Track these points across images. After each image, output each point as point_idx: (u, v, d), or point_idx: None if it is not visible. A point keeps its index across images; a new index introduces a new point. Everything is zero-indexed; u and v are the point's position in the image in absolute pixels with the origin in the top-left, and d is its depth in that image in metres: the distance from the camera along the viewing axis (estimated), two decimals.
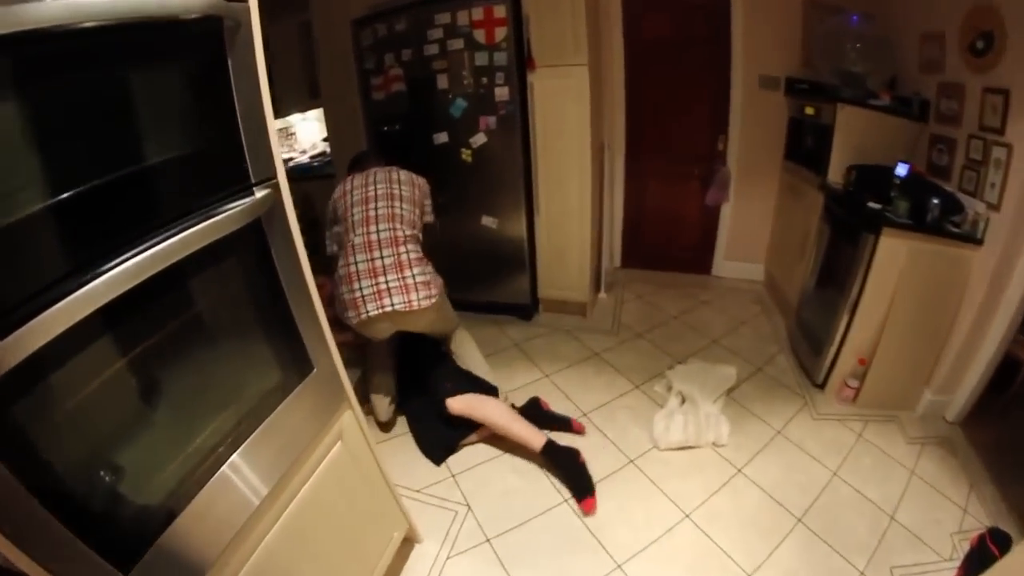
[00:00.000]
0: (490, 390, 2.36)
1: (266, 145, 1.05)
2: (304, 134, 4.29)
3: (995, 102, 1.97)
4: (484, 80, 2.73)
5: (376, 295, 1.99)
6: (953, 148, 2.24)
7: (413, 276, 2.02)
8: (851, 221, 2.34)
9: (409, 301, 2.01)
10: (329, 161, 3.67)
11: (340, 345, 1.33)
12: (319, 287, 1.23)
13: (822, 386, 2.49)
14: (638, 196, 3.71)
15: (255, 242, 1.06)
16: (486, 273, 3.24)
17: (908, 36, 2.47)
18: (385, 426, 2.43)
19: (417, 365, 2.41)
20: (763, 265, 3.51)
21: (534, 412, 2.33)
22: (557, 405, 2.51)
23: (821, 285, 2.59)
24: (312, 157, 4.05)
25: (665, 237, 3.75)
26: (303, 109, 3.92)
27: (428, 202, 2.33)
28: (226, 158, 0.99)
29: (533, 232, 3.09)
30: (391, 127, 3.04)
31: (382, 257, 2.00)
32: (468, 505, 2.03)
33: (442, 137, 2.93)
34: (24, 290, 0.67)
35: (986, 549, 1.58)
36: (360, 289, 1.99)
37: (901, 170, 2.27)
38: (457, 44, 2.70)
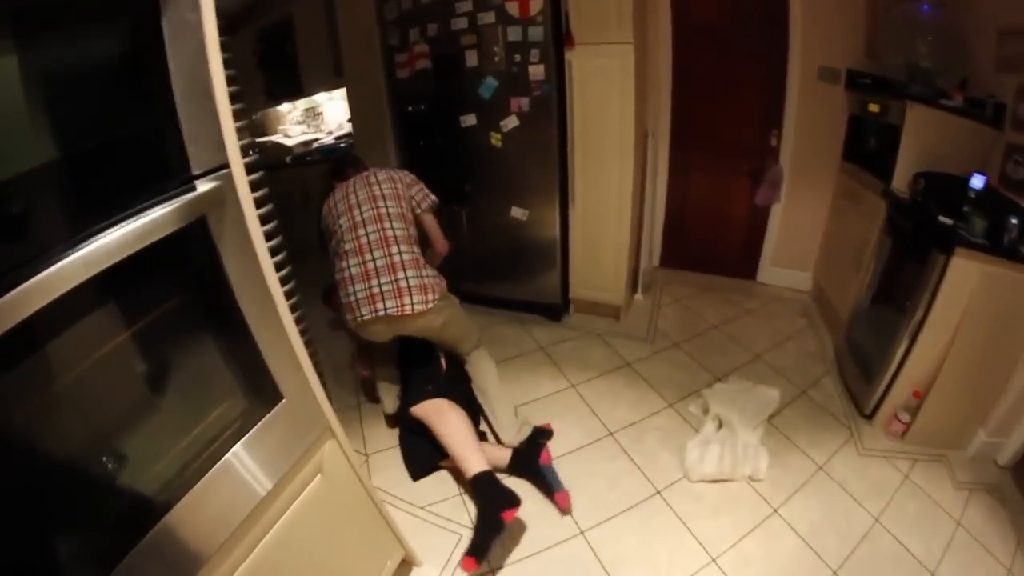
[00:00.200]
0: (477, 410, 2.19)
1: (215, 126, 0.84)
2: (331, 114, 4.13)
3: None
4: (517, 57, 2.47)
5: (369, 299, 1.89)
6: None
7: (407, 279, 1.91)
8: (918, 235, 2.08)
9: (402, 305, 1.88)
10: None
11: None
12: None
13: (870, 417, 2.25)
14: (682, 191, 3.42)
15: (199, 249, 0.86)
16: (513, 269, 3.02)
17: (984, 30, 2.13)
18: (392, 419, 2.32)
19: (409, 364, 2.25)
20: (811, 274, 3.22)
21: (527, 458, 2.00)
22: (582, 421, 2.30)
23: (878, 304, 2.33)
24: (337, 138, 3.89)
25: (709, 237, 3.47)
26: (329, 88, 3.75)
27: (418, 188, 2.20)
28: (154, 145, 0.79)
29: (566, 226, 2.85)
30: (415, 107, 2.83)
31: (374, 260, 1.92)
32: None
33: (470, 119, 2.70)
34: None
35: None
36: (354, 293, 1.91)
37: (977, 182, 1.99)
38: (488, 17, 2.45)
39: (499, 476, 1.84)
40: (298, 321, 1.13)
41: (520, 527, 1.84)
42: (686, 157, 3.31)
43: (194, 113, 0.82)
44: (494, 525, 1.67)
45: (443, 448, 1.95)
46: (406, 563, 1.70)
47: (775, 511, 1.87)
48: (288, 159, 3.73)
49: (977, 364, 1.96)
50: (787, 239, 3.23)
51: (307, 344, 1.23)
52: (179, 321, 0.92)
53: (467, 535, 1.83)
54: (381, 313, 1.88)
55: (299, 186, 3.79)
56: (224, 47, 0.86)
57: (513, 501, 1.70)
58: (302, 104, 4.04)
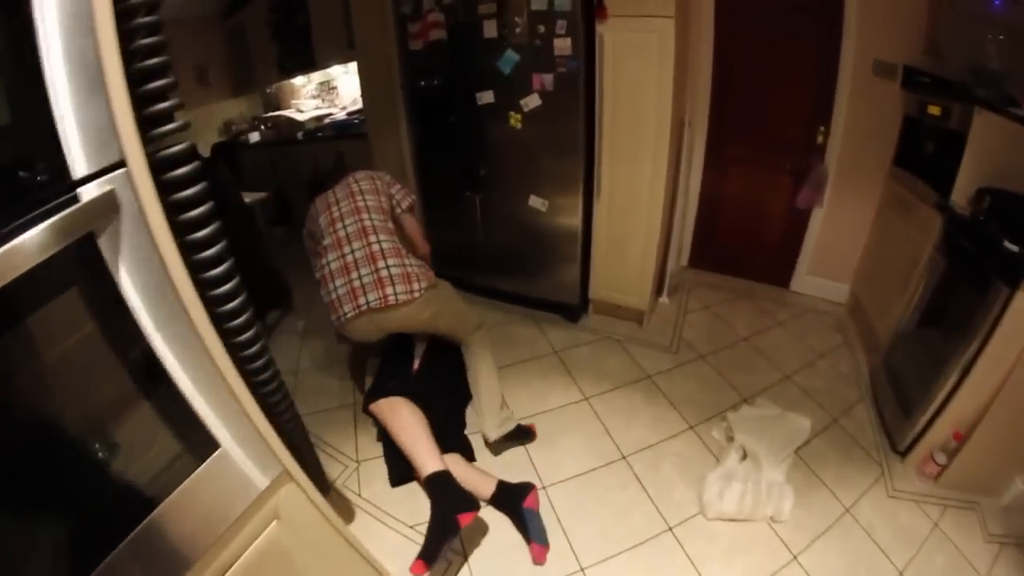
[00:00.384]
0: (456, 422, 2.11)
1: (101, 111, 0.64)
2: (346, 88, 3.91)
3: None
4: (541, 29, 2.21)
5: (350, 294, 1.81)
6: None
7: (388, 268, 1.82)
8: (980, 260, 1.81)
9: (384, 296, 1.79)
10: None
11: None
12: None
13: (904, 454, 2.03)
14: (717, 186, 3.14)
15: (85, 276, 0.67)
16: (530, 263, 2.79)
17: None
18: None
19: (380, 361, 2.15)
20: (849, 286, 2.92)
21: (511, 496, 1.77)
22: (593, 440, 2.09)
23: (923, 329, 2.07)
24: (350, 114, 3.68)
25: (743, 238, 3.19)
26: (343, 61, 3.52)
27: (398, 187, 2.18)
28: (18, 146, 0.59)
29: (590, 220, 2.59)
30: (429, 82, 2.59)
31: (352, 252, 1.85)
32: (465, 557, 1.70)
33: (487, 96, 2.45)
34: None
35: None
36: (335, 289, 1.83)
37: None
38: None
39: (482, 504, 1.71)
40: (249, 343, 0.94)
41: (481, 528, 1.75)
42: (724, 150, 3.02)
43: (73, 95, 0.62)
44: (449, 527, 1.54)
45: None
46: None
47: (795, 558, 1.67)
48: (300, 135, 3.55)
49: None
50: (826, 247, 2.94)
51: (262, 375, 1.04)
52: (80, 366, 0.74)
53: (456, 562, 1.68)
54: (364, 307, 1.79)
55: (310, 163, 3.62)
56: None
57: (471, 505, 1.60)
58: (317, 78, 3.84)
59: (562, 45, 2.19)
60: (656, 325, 2.80)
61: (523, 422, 2.10)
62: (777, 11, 2.63)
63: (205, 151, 3.23)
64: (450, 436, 1.99)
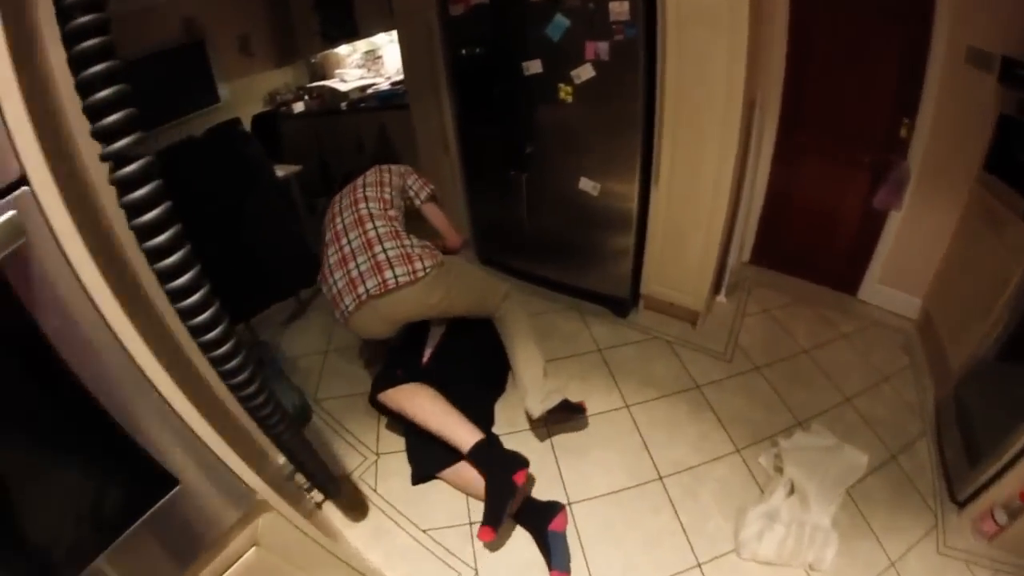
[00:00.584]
0: (483, 403, 2.04)
1: None
2: (391, 58, 3.74)
3: None
4: None
5: (349, 284, 1.73)
6: None
7: (384, 251, 1.73)
8: None
9: (383, 281, 1.69)
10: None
11: None
12: None
13: (963, 504, 1.77)
14: (786, 177, 2.79)
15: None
16: (577, 251, 2.58)
17: None
18: None
19: (388, 351, 2.08)
20: (921, 301, 2.55)
21: (538, 515, 1.65)
22: (630, 455, 1.90)
23: (1005, 365, 1.76)
24: (394, 84, 3.53)
25: (811, 237, 2.85)
26: (385, 28, 3.35)
27: (414, 178, 2.11)
28: None
29: (646, 208, 2.34)
30: (470, 50, 2.38)
31: (349, 242, 1.79)
32: (476, 570, 1.61)
33: (535, 66, 2.21)
34: None
35: None
36: (335, 283, 1.77)
37: None
38: None
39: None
40: (227, 357, 0.83)
41: (496, 542, 1.65)
42: (796, 138, 2.67)
43: None
44: (507, 489, 1.54)
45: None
46: None
47: None
48: (343, 105, 3.44)
49: None
50: (901, 254, 2.56)
51: (246, 389, 0.94)
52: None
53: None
54: (364, 296, 1.70)
55: (353, 134, 3.52)
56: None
57: (522, 462, 1.62)
58: (362, 47, 3.69)
59: (619, 9, 1.92)
60: (711, 327, 2.54)
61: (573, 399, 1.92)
62: None
63: (247, 122, 3.20)
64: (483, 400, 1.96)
